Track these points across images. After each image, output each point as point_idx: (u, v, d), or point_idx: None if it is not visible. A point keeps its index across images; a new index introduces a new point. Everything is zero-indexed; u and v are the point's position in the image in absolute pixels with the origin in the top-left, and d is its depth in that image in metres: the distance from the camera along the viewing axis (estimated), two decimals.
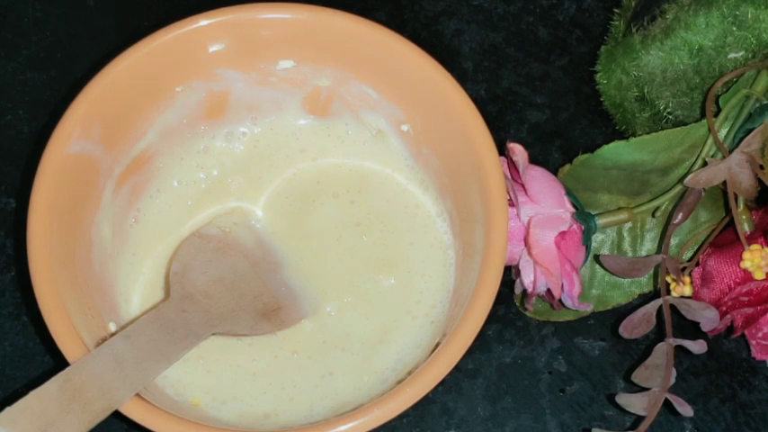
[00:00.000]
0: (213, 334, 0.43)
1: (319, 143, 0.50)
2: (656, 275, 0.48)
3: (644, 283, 0.49)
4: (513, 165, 0.45)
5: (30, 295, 0.41)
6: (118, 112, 0.45)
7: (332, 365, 0.46)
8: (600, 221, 0.47)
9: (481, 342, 0.49)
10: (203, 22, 0.44)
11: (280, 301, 0.46)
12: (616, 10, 0.52)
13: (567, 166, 0.49)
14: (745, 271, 0.44)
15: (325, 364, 0.46)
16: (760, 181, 0.45)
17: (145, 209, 0.48)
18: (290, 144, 0.50)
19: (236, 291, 0.45)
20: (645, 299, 0.48)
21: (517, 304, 0.50)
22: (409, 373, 0.41)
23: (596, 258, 0.48)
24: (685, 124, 0.48)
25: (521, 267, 0.45)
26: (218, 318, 0.44)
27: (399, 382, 0.41)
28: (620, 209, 0.48)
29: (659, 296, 0.45)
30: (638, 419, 0.45)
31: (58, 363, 0.41)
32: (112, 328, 0.44)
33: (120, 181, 0.46)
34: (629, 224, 0.49)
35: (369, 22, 0.45)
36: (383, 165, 0.49)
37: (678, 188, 0.47)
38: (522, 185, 0.45)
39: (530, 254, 0.44)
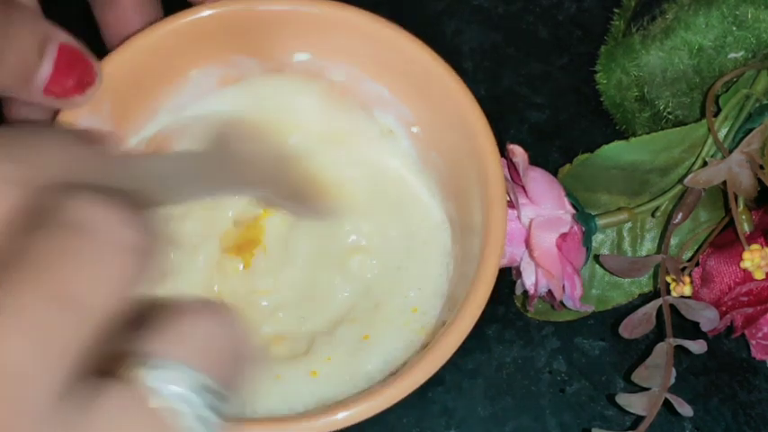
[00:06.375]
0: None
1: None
2: (656, 275, 0.48)
3: (644, 283, 0.49)
4: (513, 166, 0.45)
5: None
6: (129, 92, 0.44)
7: (317, 369, 0.45)
8: (600, 222, 0.47)
9: (481, 342, 0.49)
10: (219, 9, 0.44)
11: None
12: (616, 10, 0.52)
13: (567, 167, 0.49)
14: (745, 271, 0.44)
15: (311, 367, 0.45)
16: (760, 181, 0.45)
17: None
18: None
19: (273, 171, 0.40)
20: (645, 299, 0.48)
21: (518, 305, 0.50)
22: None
23: (596, 258, 0.48)
24: (685, 124, 0.48)
25: (522, 269, 0.45)
26: (259, 182, 0.38)
27: None
28: (620, 209, 0.48)
29: (659, 296, 0.45)
30: (638, 419, 0.45)
31: None
32: None
33: None
34: (629, 224, 0.49)
35: (385, 20, 0.45)
36: (390, 164, 0.49)
37: (678, 188, 0.47)
38: (523, 187, 0.45)
39: (531, 256, 0.44)
